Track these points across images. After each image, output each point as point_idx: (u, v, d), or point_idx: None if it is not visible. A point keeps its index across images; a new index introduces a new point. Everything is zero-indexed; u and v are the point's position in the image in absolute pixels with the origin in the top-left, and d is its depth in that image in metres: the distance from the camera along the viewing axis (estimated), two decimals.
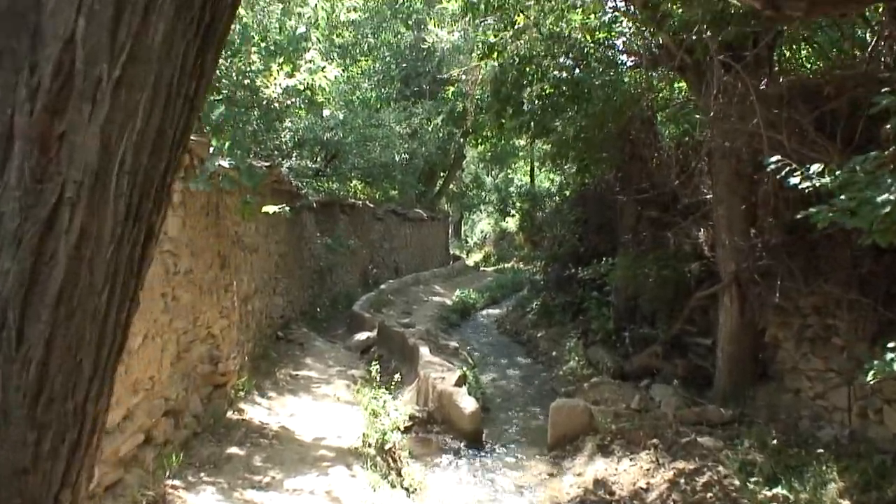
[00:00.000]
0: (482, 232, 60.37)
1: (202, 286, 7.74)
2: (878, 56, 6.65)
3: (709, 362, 9.93)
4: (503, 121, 11.82)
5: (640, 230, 13.13)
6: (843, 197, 4.08)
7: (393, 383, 10.68)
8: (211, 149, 7.59)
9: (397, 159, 17.88)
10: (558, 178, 23.17)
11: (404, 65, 24.65)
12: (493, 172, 46.50)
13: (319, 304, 17.54)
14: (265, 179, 9.88)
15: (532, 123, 11.26)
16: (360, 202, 22.57)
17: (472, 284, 29.34)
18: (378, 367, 13.75)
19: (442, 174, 36.40)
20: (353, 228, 21.67)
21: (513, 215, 21.45)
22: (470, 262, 43.00)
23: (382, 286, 22.29)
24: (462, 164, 39.42)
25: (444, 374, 10.57)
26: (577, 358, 13.26)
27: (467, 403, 9.55)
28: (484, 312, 24.02)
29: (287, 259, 14.22)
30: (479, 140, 35.91)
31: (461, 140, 25.25)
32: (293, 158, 13.73)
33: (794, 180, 4.73)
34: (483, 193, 45.01)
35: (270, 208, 9.02)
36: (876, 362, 4.32)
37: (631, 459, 7.89)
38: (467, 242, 59.18)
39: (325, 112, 9.63)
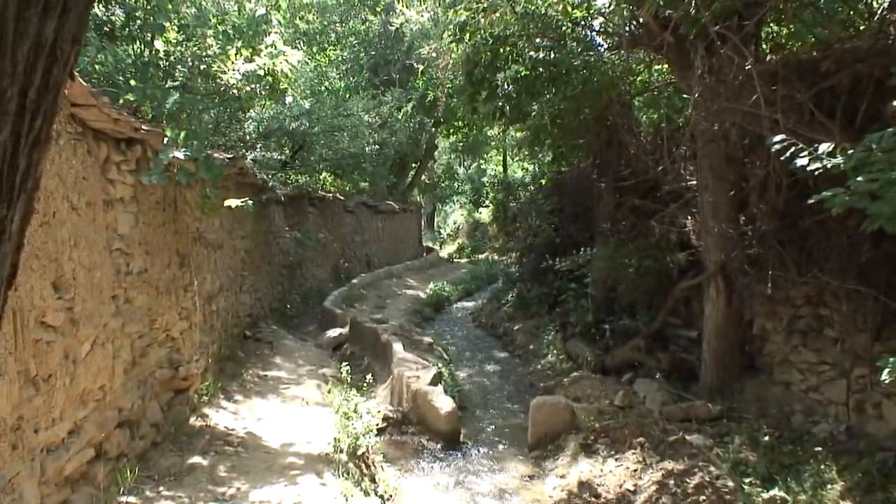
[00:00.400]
0: (455, 223, 59.99)
1: (159, 286, 7.22)
2: (885, 28, 6.28)
3: (694, 355, 9.59)
4: (477, 105, 11.26)
5: (619, 219, 12.79)
6: (860, 179, 3.70)
7: (365, 384, 10.25)
8: (165, 139, 7.07)
9: (367, 150, 17.29)
10: (532, 167, 22.80)
11: (373, 52, 24.09)
12: (465, 163, 46.10)
13: (289, 301, 17.01)
14: (225, 172, 9.37)
15: (507, 108, 10.74)
16: (330, 195, 22.01)
17: (446, 276, 28.93)
18: (350, 365, 13.29)
19: (413, 165, 35.88)
20: (323, 222, 21.12)
21: (486, 206, 20.97)
22: (443, 253, 42.55)
23: (354, 280, 21.79)
24: (434, 155, 38.92)
25: (419, 372, 10.15)
26: (555, 352, 12.92)
27: (443, 403, 9.13)
28: (458, 305, 23.64)
29: (254, 255, 13.67)
30: (451, 130, 35.63)
31: (433, 129, 24.73)
32: (258, 150, 13.13)
33: (800, 161, 4.35)
34: (456, 184, 44.61)
35: (233, 202, 8.50)
36: (892, 359, 3.95)
37: (616, 460, 7.52)
38: (440, 234, 58.69)
39: (289, 99, 9.07)
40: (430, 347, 13.40)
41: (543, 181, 16.25)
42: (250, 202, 8.59)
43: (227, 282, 11.39)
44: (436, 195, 44.82)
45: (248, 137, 13.44)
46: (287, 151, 14.84)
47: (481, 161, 45.34)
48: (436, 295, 22.62)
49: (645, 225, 11.51)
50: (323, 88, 17.55)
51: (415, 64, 25.71)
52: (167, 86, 7.95)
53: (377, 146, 19.42)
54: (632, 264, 10.61)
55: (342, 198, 23.34)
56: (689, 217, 9.58)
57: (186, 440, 7.38)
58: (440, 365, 11.52)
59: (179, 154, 7.02)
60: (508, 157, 43.85)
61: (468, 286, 26.82)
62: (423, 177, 39.22)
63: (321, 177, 19.87)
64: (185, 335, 8.06)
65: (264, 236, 15.01)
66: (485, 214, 49.09)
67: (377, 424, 8.40)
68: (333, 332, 15.00)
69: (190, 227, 9.03)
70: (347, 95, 17.93)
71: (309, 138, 14.38)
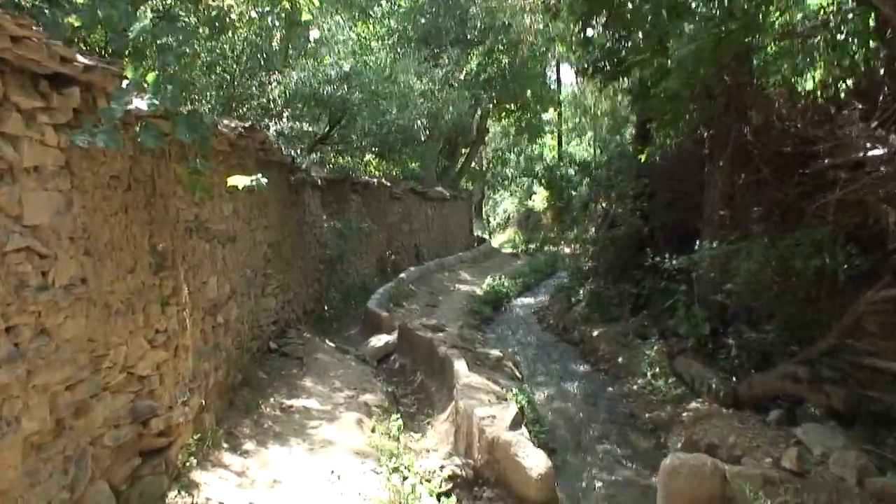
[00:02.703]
0: (505, 212, 57.13)
1: (111, 304, 4.74)
2: None
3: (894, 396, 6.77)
4: (588, 33, 8.21)
5: (740, 204, 10.01)
6: None
7: (421, 423, 7.76)
8: (125, 83, 4.59)
9: (418, 124, 14.54)
10: (600, 147, 19.87)
11: (423, 20, 21.28)
12: (514, 150, 43.26)
13: (327, 301, 14.55)
14: (221, 137, 6.92)
15: (638, 37, 7.72)
16: (375, 180, 19.50)
17: (501, 269, 26.38)
18: (399, 382, 10.81)
19: (463, 151, 33.23)
20: (366, 210, 18.62)
21: (549, 188, 17.96)
22: (495, 243, 39.87)
23: (402, 275, 19.28)
24: (485, 140, 36.22)
25: (493, 408, 7.53)
26: (658, 371, 10.15)
27: (534, 461, 6.49)
28: (518, 301, 21.04)
29: (281, 249, 11.19)
30: (504, 112, 32.90)
31: (490, 107, 21.84)
32: (284, 120, 10.59)
33: None
34: (508, 171, 41.77)
35: (239, 180, 5.92)
36: None
37: None
38: (489, 223, 55.97)
39: (314, 34, 6.50)
40: (499, 364, 10.77)
41: (643, 156, 13.01)
42: (263, 180, 5.98)
43: (243, 284, 8.94)
44: (487, 182, 42.05)
45: (272, 105, 10.94)
46: (322, 124, 12.27)
47: (535, 146, 42.43)
48: (494, 291, 20.01)
49: (788, 211, 8.79)
50: (365, 62, 14.91)
51: (470, 35, 23.05)
52: (130, 7, 5.46)
53: (428, 122, 16.47)
54: (785, 264, 7.83)
55: (388, 183, 20.83)
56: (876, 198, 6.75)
57: None
58: (515, 391, 8.91)
59: (143, 104, 4.55)
60: (564, 142, 41.10)
61: (527, 280, 24.23)
62: (473, 163, 36.54)
63: (365, 158, 17.22)
64: (165, 369, 5.59)
65: (296, 226, 12.55)
66: (538, 202, 46.30)
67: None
68: (378, 341, 12.54)
69: (182, 214, 6.59)
70: (394, 59, 15.13)
71: (349, 108, 11.79)
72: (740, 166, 9.91)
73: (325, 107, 11.84)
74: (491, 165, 41.29)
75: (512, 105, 31.95)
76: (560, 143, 40.89)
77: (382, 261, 20.13)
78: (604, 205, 15.34)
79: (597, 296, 15.46)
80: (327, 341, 12.14)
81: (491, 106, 22.55)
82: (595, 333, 13.96)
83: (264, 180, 5.87)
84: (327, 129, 12.71)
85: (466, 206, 34.66)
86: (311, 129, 10.68)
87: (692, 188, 11.93)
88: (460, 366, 9.29)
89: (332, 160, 14.97)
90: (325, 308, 14.12)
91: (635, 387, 10.56)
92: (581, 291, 16.81)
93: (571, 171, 16.12)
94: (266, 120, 10.49)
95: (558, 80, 40.09)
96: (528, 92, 30.75)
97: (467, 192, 35.43)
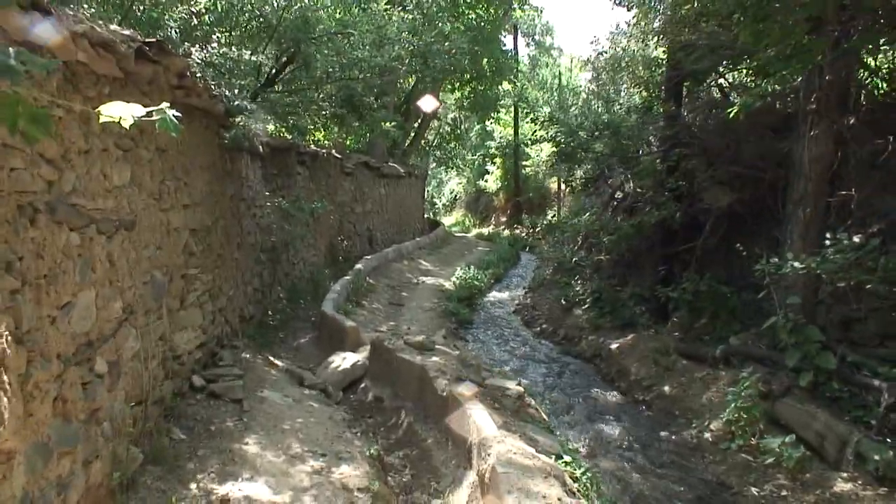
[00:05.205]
0: (452, 192, 54.04)
1: None
2: None
3: None
4: None
5: (865, 183, 7.15)
6: None
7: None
8: None
9: (402, 68, 10.94)
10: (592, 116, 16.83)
11: None
12: (463, 124, 40.10)
13: (271, 303, 11.23)
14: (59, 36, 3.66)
15: None
16: (324, 150, 16.07)
17: (464, 257, 23.46)
18: (378, 426, 7.69)
19: (415, 125, 29.87)
20: (314, 186, 15.25)
21: (559, 157, 14.36)
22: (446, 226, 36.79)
23: (359, 265, 15.94)
24: (437, 113, 32.90)
25: None
26: (746, 417, 7.22)
27: None
28: (492, 297, 18.08)
29: (211, 237, 7.83)
30: (459, 83, 29.68)
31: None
32: (213, 46, 7.09)
33: None
34: (460, 148, 38.59)
35: (122, 110, 2.56)
36: None
37: None
38: (434, 204, 52.85)
39: None
40: (522, 404, 7.67)
41: (734, 111, 9.63)
42: (171, 114, 2.63)
43: (149, 295, 5.61)
44: (439, 158, 38.81)
45: (195, 22, 7.47)
46: (269, 57, 8.75)
47: (489, 121, 39.26)
48: (466, 286, 16.92)
49: None
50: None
51: None
52: None
53: (415, 61, 12.81)
54: None
55: (339, 155, 17.42)
56: None
57: None
58: (569, 460, 5.86)
59: None
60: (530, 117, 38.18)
61: (496, 271, 21.33)
62: (422, 140, 33.24)
63: (317, 119, 13.69)
64: None
65: (232, 204, 9.18)
66: (491, 182, 43.30)
67: None
68: (342, 361, 9.31)
69: (16, 179, 3.30)
70: None
71: (303, 39, 8.29)
72: (866, 128, 7.03)
73: (272, 37, 8.38)
74: (443, 140, 37.91)
75: (467, 74, 28.81)
76: (516, 118, 38.00)
77: (334, 248, 16.78)
78: (620, 182, 12.37)
79: (608, 297, 12.56)
80: (275, 361, 8.89)
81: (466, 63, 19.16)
82: (614, 346, 11.05)
83: (173, 113, 2.48)
84: (278, 69, 9.25)
85: (420, 184, 31.39)
86: (253, 58, 7.26)
87: (765, 163, 9.07)
88: (481, 418, 6.17)
89: (279, 123, 11.52)
90: (269, 312, 10.79)
91: (707, 434, 7.65)
92: (580, 289, 13.91)
93: (583, 136, 12.91)
94: (187, 44, 7.08)
95: (515, 49, 37.24)
96: (485, 60, 27.73)
97: (420, 170, 32.11)
